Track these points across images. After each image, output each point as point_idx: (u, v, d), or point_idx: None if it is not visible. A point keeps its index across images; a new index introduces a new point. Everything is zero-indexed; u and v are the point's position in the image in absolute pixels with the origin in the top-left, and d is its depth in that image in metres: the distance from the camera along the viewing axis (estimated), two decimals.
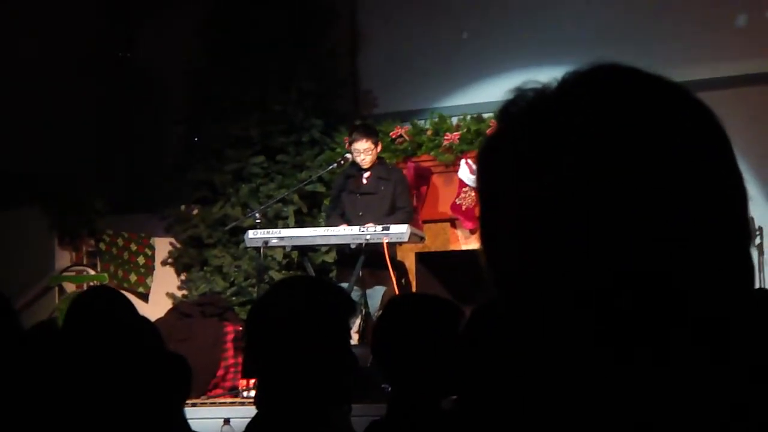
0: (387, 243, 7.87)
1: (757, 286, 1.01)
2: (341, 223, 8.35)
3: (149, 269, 10.57)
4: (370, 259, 7.98)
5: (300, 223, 9.52)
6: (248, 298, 9.42)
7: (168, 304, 9.70)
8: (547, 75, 1.02)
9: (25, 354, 3.36)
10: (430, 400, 2.92)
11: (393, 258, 8.10)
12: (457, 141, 9.29)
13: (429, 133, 9.53)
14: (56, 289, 10.15)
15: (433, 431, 2.87)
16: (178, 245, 10.40)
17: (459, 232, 9.42)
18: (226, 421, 7.21)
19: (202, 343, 8.34)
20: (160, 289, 10.38)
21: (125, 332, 3.61)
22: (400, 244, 8.22)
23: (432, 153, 9.44)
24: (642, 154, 0.94)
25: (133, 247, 10.55)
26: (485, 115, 9.24)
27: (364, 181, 8.50)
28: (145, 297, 10.31)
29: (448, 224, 9.45)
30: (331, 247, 9.05)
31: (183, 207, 10.39)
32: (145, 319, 3.98)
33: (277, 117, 9.89)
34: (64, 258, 10.40)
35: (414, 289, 8.53)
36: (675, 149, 0.95)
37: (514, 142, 1.00)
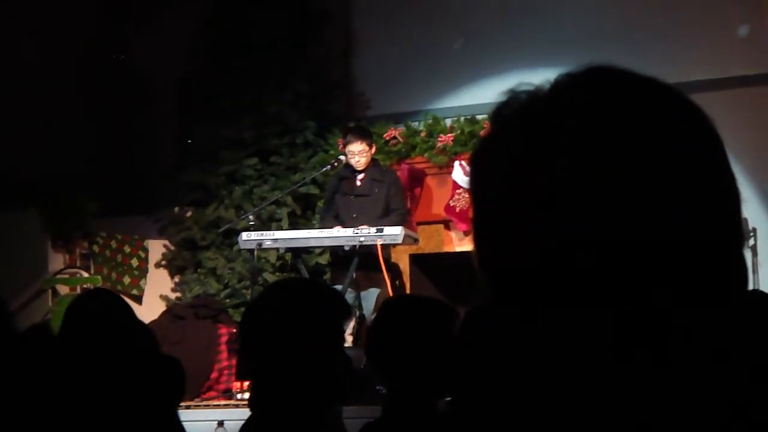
0: (381, 245, 7.87)
1: (750, 287, 1.01)
2: (335, 225, 8.35)
3: (143, 271, 10.56)
4: (364, 261, 7.98)
5: (294, 225, 9.52)
6: (242, 300, 9.42)
7: (162, 307, 9.70)
8: (541, 77, 1.02)
9: (19, 356, 3.35)
10: (425, 402, 2.92)
11: (387, 260, 8.10)
12: (451, 143, 9.29)
13: (423, 134, 9.53)
14: (49, 291, 10.13)
15: None
16: (172, 247, 10.39)
17: (453, 234, 9.42)
18: (220, 423, 7.20)
19: (195, 345, 8.34)
20: (153, 291, 10.37)
21: (120, 335, 3.61)
22: (394, 246, 8.23)
23: (426, 155, 9.44)
24: (635, 156, 0.94)
25: (127, 249, 10.54)
26: (479, 117, 9.24)
27: (358, 183, 8.50)
28: (138, 299, 10.30)
29: (442, 226, 9.44)
30: (324, 249, 9.05)
31: (177, 209, 10.38)
32: (140, 322, 3.98)
33: (271, 119, 9.89)
34: (57, 260, 10.38)
35: (408, 291, 8.54)
36: (668, 151, 0.95)
37: (507, 144, 1.00)
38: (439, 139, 9.36)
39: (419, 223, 9.33)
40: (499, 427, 1.00)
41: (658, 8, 9.19)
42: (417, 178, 9.50)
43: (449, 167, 9.24)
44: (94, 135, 10.78)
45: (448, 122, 9.50)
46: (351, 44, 10.51)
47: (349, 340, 8.08)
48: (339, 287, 7.67)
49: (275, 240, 8.32)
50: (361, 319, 8.42)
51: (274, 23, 9.97)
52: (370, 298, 8.30)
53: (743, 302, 0.98)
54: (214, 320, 8.83)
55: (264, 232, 8.47)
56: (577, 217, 0.93)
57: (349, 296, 8.04)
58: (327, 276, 9.07)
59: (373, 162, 8.58)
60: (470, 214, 1.04)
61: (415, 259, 8.48)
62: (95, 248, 10.43)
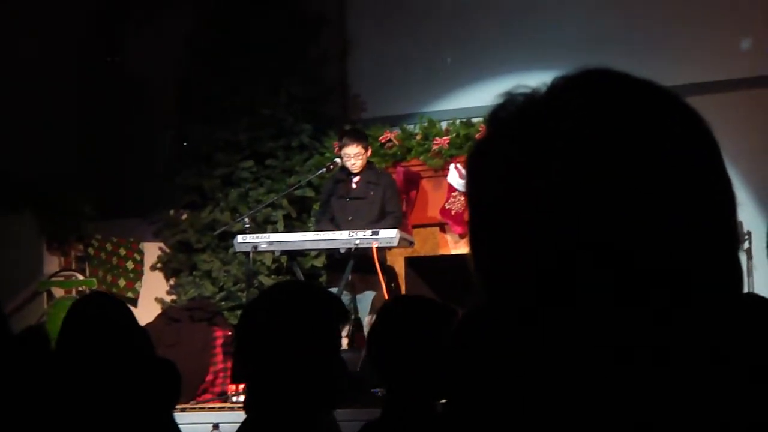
0: (376, 248, 7.87)
1: (745, 290, 1.01)
2: (330, 228, 8.35)
3: (138, 274, 10.56)
4: (360, 263, 7.98)
5: (289, 228, 9.51)
6: (237, 303, 9.41)
7: (157, 309, 9.68)
8: (537, 80, 1.02)
9: (14, 358, 3.35)
10: (425, 403, 2.92)
11: (382, 263, 8.10)
12: (447, 145, 9.29)
13: (418, 137, 9.54)
14: (45, 294, 10.12)
15: None
16: (167, 250, 10.39)
17: (448, 237, 9.42)
18: (215, 426, 7.20)
19: (190, 348, 8.33)
20: (149, 294, 10.36)
21: (118, 338, 3.61)
22: (390, 248, 8.23)
23: (421, 157, 9.45)
24: (631, 159, 0.94)
25: (122, 251, 10.53)
26: (474, 120, 9.25)
27: (354, 186, 8.50)
28: (134, 302, 10.29)
29: (438, 229, 9.45)
30: (320, 252, 9.05)
31: (172, 212, 10.37)
32: (139, 326, 3.98)
33: (267, 121, 9.89)
34: (52, 263, 10.38)
35: (403, 294, 8.54)
36: (664, 154, 0.95)
37: (503, 146, 1.00)
38: (435, 142, 9.36)
39: (415, 226, 9.33)
40: (498, 428, 1.00)
41: (653, 12, 9.20)
42: (412, 181, 9.50)
43: (445, 170, 9.25)
44: (90, 137, 10.77)
45: (444, 125, 9.50)
46: (346, 47, 10.51)
47: (344, 343, 8.08)
48: (334, 290, 7.67)
49: (271, 243, 8.32)
50: (357, 322, 8.41)
51: (269, 26, 9.97)
52: (365, 301, 8.30)
53: (739, 305, 0.98)
54: (210, 323, 8.82)
55: (259, 235, 8.47)
56: (574, 219, 0.93)
57: (345, 299, 8.03)
58: (322, 279, 9.06)
59: (368, 165, 8.58)
60: (466, 216, 1.04)
61: (411, 262, 8.48)
62: (91, 251, 10.43)
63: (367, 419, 3.12)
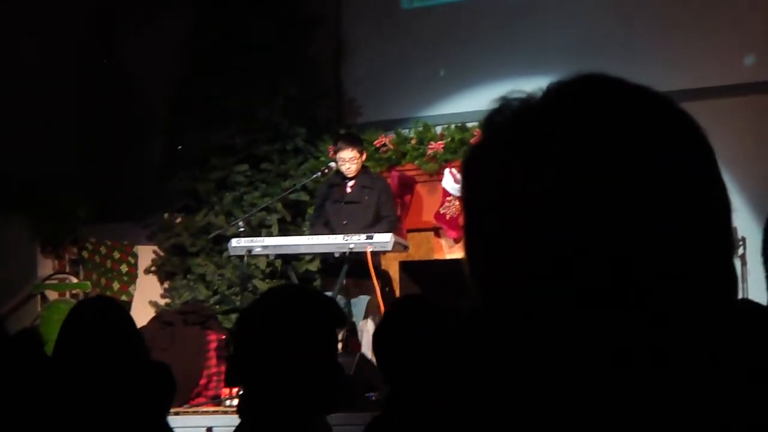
0: (371, 252, 7.87)
1: (740, 296, 1.02)
2: (325, 232, 8.34)
3: (132, 277, 10.55)
4: (354, 268, 7.97)
5: (284, 232, 9.51)
6: (231, 307, 9.41)
7: (151, 313, 9.67)
8: (533, 85, 1.02)
9: (8, 361, 3.34)
10: (426, 403, 2.92)
11: (377, 267, 8.10)
12: (442, 150, 9.30)
13: (413, 142, 9.54)
14: (38, 297, 10.11)
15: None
16: (161, 253, 10.38)
17: (443, 241, 9.43)
18: (209, 429, 7.20)
19: (184, 351, 8.32)
20: (143, 297, 10.35)
21: (115, 342, 3.60)
22: (384, 253, 8.22)
23: (416, 162, 9.45)
24: (626, 165, 0.94)
25: (116, 255, 10.52)
26: (469, 125, 9.25)
27: (348, 190, 8.50)
28: (127, 305, 10.26)
29: (432, 233, 9.45)
30: (314, 256, 9.05)
31: (166, 215, 10.37)
32: (137, 330, 3.97)
33: (262, 125, 9.89)
34: (46, 266, 10.36)
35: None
36: (659, 160, 0.95)
37: (498, 151, 1.00)
38: (430, 146, 9.36)
39: (409, 231, 9.33)
40: (496, 429, 1.00)
41: (647, 19, 9.21)
42: (407, 186, 9.50)
43: (439, 174, 9.25)
44: (84, 140, 10.75)
45: (439, 129, 9.51)
46: (341, 51, 10.52)
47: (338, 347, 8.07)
48: (329, 294, 7.67)
49: (265, 246, 8.31)
50: (351, 326, 8.41)
51: (264, 29, 9.98)
52: (359, 305, 8.29)
53: (733, 310, 0.98)
54: (203, 326, 8.81)
55: (254, 239, 8.47)
56: (569, 225, 0.93)
57: (339, 303, 8.02)
58: (317, 283, 9.06)
59: (363, 169, 8.58)
60: (460, 221, 1.04)
61: (405, 266, 8.48)
62: (85, 254, 10.41)
63: (359, 423, 3.12)
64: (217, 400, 8.18)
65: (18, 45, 10.04)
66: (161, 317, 9.07)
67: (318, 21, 10.26)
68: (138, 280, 10.52)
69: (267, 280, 9.42)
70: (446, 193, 9.12)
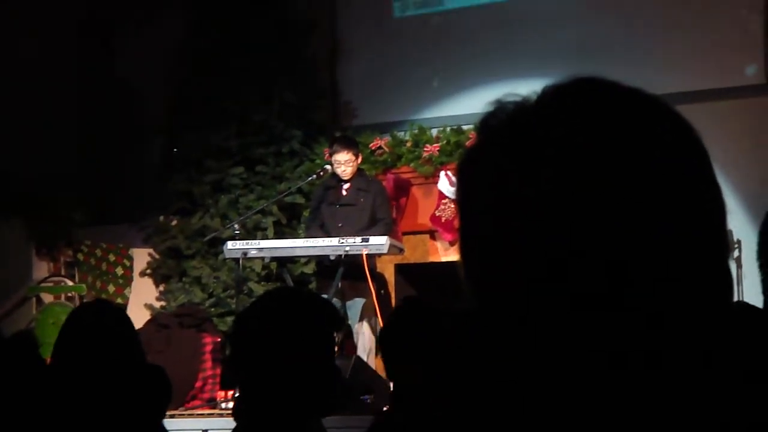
0: (366, 255, 7.87)
1: (735, 298, 1.02)
2: (320, 235, 8.34)
3: (127, 280, 10.54)
4: (350, 270, 7.97)
5: (279, 235, 9.51)
6: (227, 310, 9.40)
7: (146, 315, 9.66)
8: (528, 88, 1.02)
9: (3, 363, 3.34)
10: (428, 404, 2.93)
11: (372, 270, 8.09)
12: (437, 153, 9.30)
13: (408, 144, 9.54)
14: (34, 299, 10.10)
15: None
16: (157, 256, 10.37)
17: (438, 244, 9.43)
18: None
19: (180, 354, 8.31)
20: (138, 300, 10.34)
21: (113, 346, 3.60)
22: (380, 255, 8.22)
23: (412, 165, 9.45)
24: (621, 168, 0.94)
25: (112, 257, 10.51)
26: (465, 127, 9.25)
27: (344, 193, 8.50)
28: (123, 308, 10.26)
29: (428, 236, 9.45)
30: (310, 259, 9.05)
31: (162, 218, 10.36)
32: (136, 334, 3.97)
33: (257, 128, 9.88)
34: (41, 268, 10.36)
35: (393, 301, 8.54)
36: (654, 162, 0.95)
37: (494, 154, 1.00)
38: (425, 149, 9.37)
39: (405, 233, 9.33)
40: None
41: (643, 21, 9.22)
42: (403, 188, 9.50)
43: (435, 177, 9.25)
44: (80, 143, 10.75)
45: (434, 132, 9.51)
46: (337, 53, 10.52)
47: None
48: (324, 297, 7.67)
49: (260, 249, 8.31)
50: (347, 329, 8.41)
51: (260, 32, 9.97)
52: (355, 308, 8.29)
53: (729, 313, 0.98)
54: (199, 329, 8.80)
55: (249, 242, 8.46)
56: (564, 227, 0.93)
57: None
58: (312, 286, 9.06)
59: (358, 172, 8.57)
60: (456, 224, 1.04)
61: (401, 269, 8.48)
62: (80, 256, 10.41)
63: (356, 426, 3.12)
64: (212, 403, 8.16)
65: (17, 45, 10.04)
66: (157, 320, 9.06)
67: (313, 24, 10.26)
68: (133, 283, 10.51)
69: (262, 283, 9.42)
70: (442, 196, 9.12)
